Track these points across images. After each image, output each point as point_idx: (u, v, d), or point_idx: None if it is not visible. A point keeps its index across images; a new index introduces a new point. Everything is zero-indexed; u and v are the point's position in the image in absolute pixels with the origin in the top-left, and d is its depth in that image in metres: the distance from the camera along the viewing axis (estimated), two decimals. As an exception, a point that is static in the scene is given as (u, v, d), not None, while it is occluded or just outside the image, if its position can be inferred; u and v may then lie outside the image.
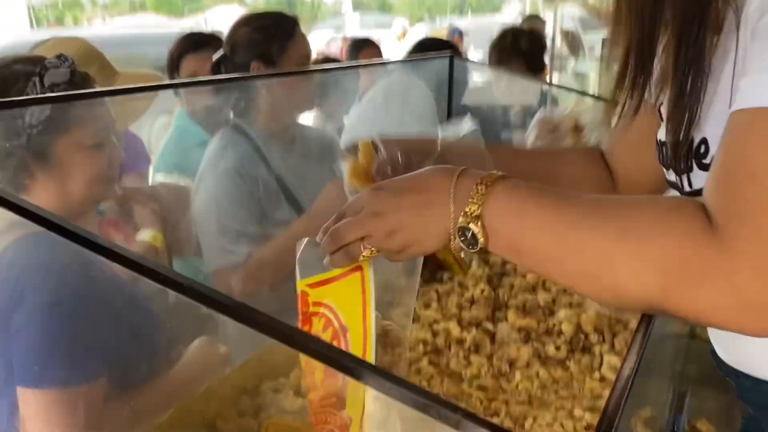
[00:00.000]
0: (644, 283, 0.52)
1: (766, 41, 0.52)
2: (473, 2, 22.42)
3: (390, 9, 23.00)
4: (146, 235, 1.45)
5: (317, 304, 0.69)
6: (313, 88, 1.65)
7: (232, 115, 1.61)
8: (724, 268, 0.48)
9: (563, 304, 1.26)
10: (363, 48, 3.02)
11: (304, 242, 0.75)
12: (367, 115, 2.14)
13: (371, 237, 0.65)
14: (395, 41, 10.37)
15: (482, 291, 1.28)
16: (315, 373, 0.71)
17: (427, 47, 2.42)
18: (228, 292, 1.52)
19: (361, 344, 0.66)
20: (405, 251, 0.66)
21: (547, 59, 2.61)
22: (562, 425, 0.93)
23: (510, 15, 16.63)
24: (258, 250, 1.48)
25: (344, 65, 1.74)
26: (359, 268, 0.67)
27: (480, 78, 2.48)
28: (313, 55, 1.83)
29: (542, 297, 1.28)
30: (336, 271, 0.69)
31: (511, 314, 1.22)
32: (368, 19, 18.76)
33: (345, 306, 0.67)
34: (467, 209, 0.61)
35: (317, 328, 0.69)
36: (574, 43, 4.57)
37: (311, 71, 1.60)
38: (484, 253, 0.65)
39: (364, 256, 0.66)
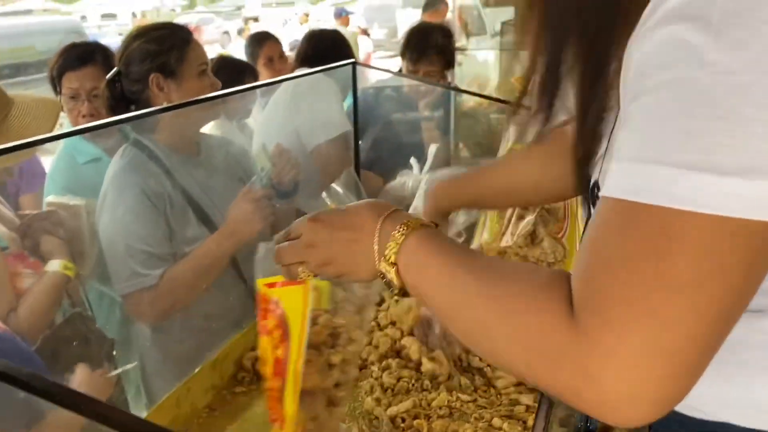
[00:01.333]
0: (512, 354, 0.53)
1: (631, 131, 0.50)
2: (373, -23, 22.20)
3: (290, -14, 22.54)
4: (56, 265, 1.39)
5: (268, 301, 0.76)
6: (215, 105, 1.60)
7: (130, 129, 1.54)
8: (575, 354, 0.48)
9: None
10: (264, 43, 2.97)
11: (262, 246, 0.83)
12: (275, 116, 2.10)
13: (308, 263, 0.72)
14: (297, 26, 10.20)
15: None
16: (267, 366, 0.78)
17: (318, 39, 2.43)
18: (141, 317, 1.49)
19: (296, 351, 0.74)
20: (341, 278, 0.72)
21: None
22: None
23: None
24: (171, 270, 1.44)
25: (247, 87, 1.70)
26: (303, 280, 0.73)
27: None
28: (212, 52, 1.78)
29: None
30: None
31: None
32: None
33: (290, 310, 0.74)
34: (386, 254, 0.64)
35: (270, 324, 0.76)
36: (473, 23, 4.62)
37: (223, 95, 1.55)
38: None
39: (301, 278, 0.73)
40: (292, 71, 2.37)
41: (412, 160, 2.13)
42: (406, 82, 2.29)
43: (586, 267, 0.50)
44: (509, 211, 1.72)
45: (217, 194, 1.58)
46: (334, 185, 1.51)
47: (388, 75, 2.24)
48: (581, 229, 0.96)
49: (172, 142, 1.54)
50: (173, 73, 1.51)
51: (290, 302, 0.74)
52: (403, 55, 2.44)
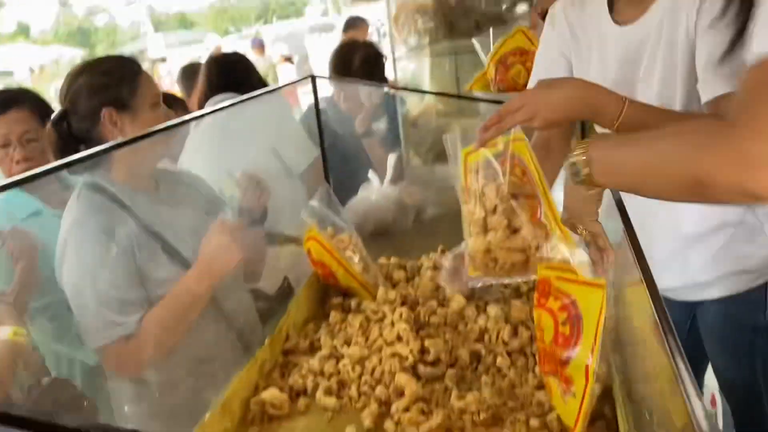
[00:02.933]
0: (687, 158, 0.73)
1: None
2: (276, 9, 22.32)
3: (192, 25, 22.26)
4: (6, 332, 1.27)
5: (561, 292, 0.88)
6: (171, 135, 1.51)
7: (76, 173, 1.43)
8: (732, 136, 0.68)
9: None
10: (197, 74, 2.87)
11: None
12: (234, 141, 2.02)
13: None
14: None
15: (401, 315, 1.25)
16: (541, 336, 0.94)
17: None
18: (122, 369, 1.37)
19: (589, 352, 0.82)
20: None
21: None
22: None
23: (313, 17, 16.79)
24: (149, 315, 1.33)
25: (211, 110, 1.62)
26: (602, 286, 0.82)
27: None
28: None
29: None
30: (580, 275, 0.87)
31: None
32: (172, 38, 18.01)
33: (585, 310, 0.83)
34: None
35: (552, 306, 0.89)
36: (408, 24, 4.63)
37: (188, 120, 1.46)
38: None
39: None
40: (205, 100, 2.27)
41: (371, 173, 2.09)
42: (363, 91, 2.25)
43: (743, 95, 0.73)
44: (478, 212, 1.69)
45: (185, 228, 1.48)
46: (310, 202, 1.45)
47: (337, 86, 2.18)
48: (557, 207, 1.03)
49: (129, 179, 1.44)
50: (126, 106, 1.41)
51: (587, 304, 0.83)
52: (331, 77, 2.40)
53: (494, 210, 1.74)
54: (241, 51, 2.68)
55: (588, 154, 0.88)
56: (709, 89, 1.03)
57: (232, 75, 2.23)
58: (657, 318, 0.64)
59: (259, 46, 8.56)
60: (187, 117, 1.47)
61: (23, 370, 1.36)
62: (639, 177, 0.83)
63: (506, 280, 1.14)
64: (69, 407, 1.24)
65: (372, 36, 6.46)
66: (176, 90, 3.35)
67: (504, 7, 2.79)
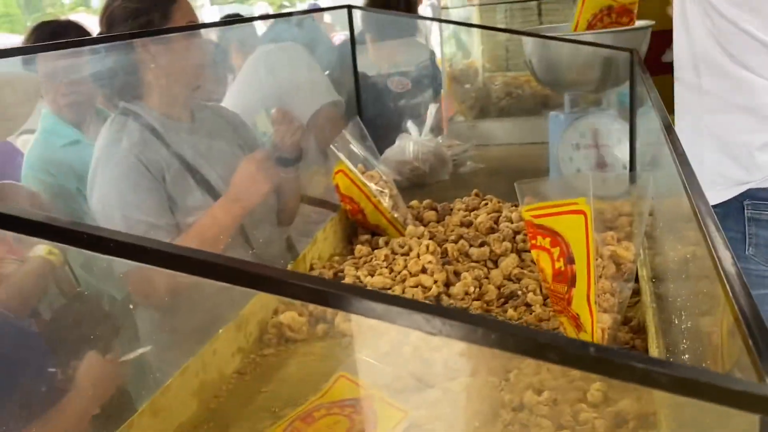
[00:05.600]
0: None
1: None
2: (331, -17, 22.21)
3: (247, -1, 22.35)
4: (41, 250, 1.28)
5: (545, 228, 0.82)
6: (204, 56, 1.50)
7: (118, 100, 1.44)
8: None
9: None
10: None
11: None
12: (249, 86, 2.00)
13: None
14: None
15: (427, 247, 1.21)
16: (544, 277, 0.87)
17: None
18: (146, 297, 1.37)
19: (585, 280, 0.79)
20: None
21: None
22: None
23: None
24: (177, 241, 1.33)
25: (244, 19, 1.60)
26: (582, 212, 0.76)
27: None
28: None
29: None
30: (559, 205, 0.80)
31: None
32: (227, 11, 18.15)
33: (572, 240, 0.79)
34: None
35: (544, 243, 0.84)
36: None
37: (197, 26, 1.45)
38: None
39: None
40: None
41: (410, 123, 2.04)
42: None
43: None
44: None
45: (217, 161, 1.47)
46: (342, 133, 1.41)
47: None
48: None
49: (163, 108, 1.44)
50: (158, 32, 1.40)
51: (572, 232, 0.78)
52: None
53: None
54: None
55: None
56: None
57: None
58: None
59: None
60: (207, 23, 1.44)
61: (54, 288, 1.38)
62: None
63: None
64: (90, 321, 1.25)
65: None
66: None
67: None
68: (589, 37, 1.55)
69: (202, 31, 1.50)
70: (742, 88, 1.18)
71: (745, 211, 1.22)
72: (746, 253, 1.24)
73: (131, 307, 1.35)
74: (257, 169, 1.39)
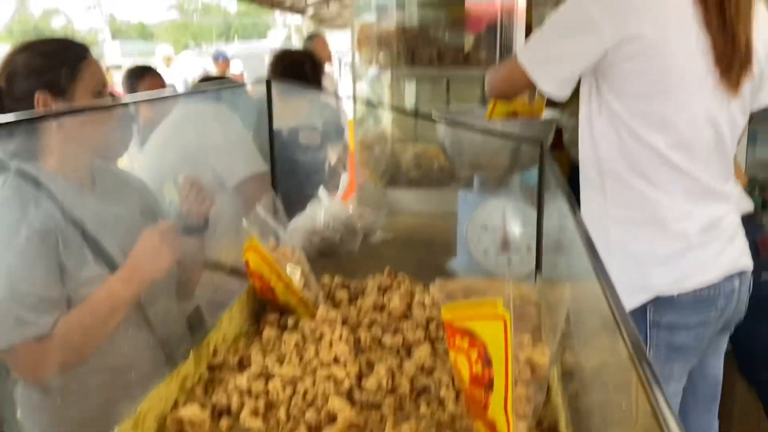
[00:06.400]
0: None
1: None
2: (239, 29, 22.27)
3: (151, 36, 21.96)
4: None
5: (465, 330, 0.80)
6: (111, 121, 1.42)
7: (11, 160, 1.33)
8: None
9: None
10: (143, 77, 2.78)
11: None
12: (172, 144, 1.93)
13: None
14: (164, 68, 9.88)
15: (340, 336, 1.18)
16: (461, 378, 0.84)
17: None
18: (29, 375, 1.25)
19: (503, 387, 0.76)
20: None
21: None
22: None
23: (276, 41, 16.77)
24: (68, 315, 1.23)
25: (151, 97, 1.53)
26: (502, 317, 0.74)
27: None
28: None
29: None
30: (478, 306, 0.78)
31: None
32: (129, 48, 17.72)
33: (491, 345, 0.77)
34: None
35: (462, 344, 0.81)
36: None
37: (106, 107, 1.38)
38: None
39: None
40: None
41: (321, 190, 2.03)
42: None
43: None
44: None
45: (117, 229, 1.39)
46: (254, 210, 1.37)
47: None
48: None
49: (61, 170, 1.34)
50: (63, 91, 1.32)
51: (492, 338, 0.76)
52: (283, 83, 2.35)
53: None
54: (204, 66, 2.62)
55: None
56: None
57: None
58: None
59: (217, 59, 8.21)
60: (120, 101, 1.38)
61: None
62: None
63: None
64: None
65: (334, 65, 6.46)
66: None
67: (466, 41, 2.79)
68: (499, 125, 1.61)
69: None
70: (645, 202, 1.24)
71: (648, 314, 1.28)
72: (647, 355, 1.30)
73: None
74: (160, 241, 1.31)
